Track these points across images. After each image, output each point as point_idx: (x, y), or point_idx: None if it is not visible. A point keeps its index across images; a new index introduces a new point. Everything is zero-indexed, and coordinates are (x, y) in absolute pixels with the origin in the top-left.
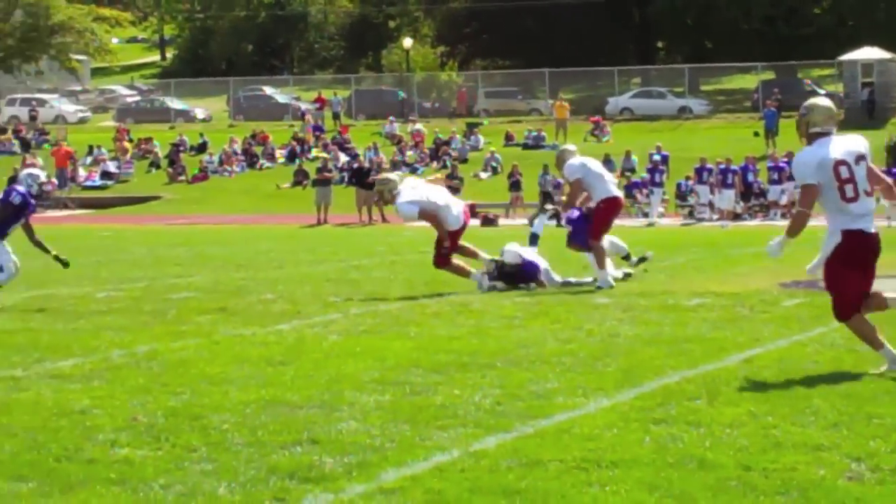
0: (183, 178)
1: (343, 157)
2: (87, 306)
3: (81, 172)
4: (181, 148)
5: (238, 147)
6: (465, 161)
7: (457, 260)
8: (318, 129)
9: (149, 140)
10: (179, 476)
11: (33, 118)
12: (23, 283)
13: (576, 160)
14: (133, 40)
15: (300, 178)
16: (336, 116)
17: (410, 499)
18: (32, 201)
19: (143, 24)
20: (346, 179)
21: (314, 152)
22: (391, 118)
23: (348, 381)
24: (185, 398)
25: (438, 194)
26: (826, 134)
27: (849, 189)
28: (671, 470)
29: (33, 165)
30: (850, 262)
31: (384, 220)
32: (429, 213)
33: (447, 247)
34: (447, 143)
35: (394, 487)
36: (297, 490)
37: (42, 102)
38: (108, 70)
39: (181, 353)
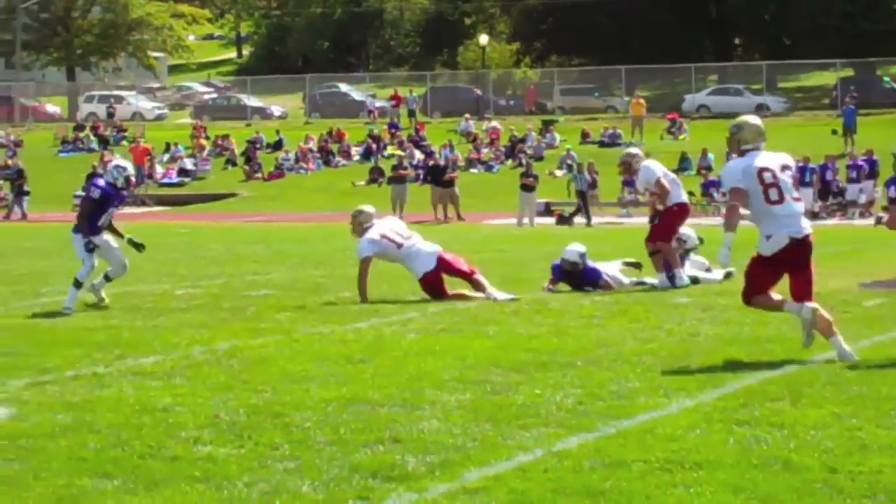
0: (259, 175)
1: (418, 155)
2: (166, 303)
3: (159, 169)
4: (257, 145)
5: (314, 144)
6: (540, 159)
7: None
8: (393, 126)
9: (225, 137)
10: (263, 474)
11: (111, 115)
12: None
13: (650, 163)
14: (210, 37)
15: (376, 175)
16: (412, 114)
17: (494, 499)
18: (123, 192)
19: (219, 21)
20: (421, 177)
21: (389, 150)
22: (466, 115)
23: (428, 379)
24: (266, 396)
25: (410, 239)
26: (756, 149)
27: (773, 192)
28: (756, 472)
29: (111, 163)
30: (773, 263)
31: (460, 217)
32: (388, 257)
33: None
34: (522, 140)
35: (477, 487)
36: (381, 489)
37: (119, 99)
38: (184, 67)
39: (261, 351)
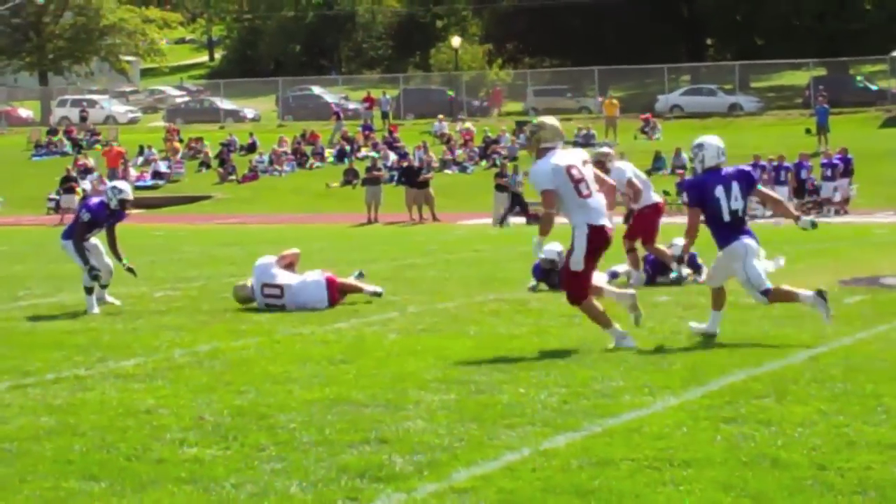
0: (233, 177)
1: (392, 157)
2: (145, 306)
3: (133, 172)
4: (231, 148)
5: (288, 147)
6: (514, 159)
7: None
8: (367, 128)
9: (199, 140)
10: (250, 475)
11: (84, 119)
12: (80, 283)
13: (622, 164)
14: (182, 41)
15: (350, 177)
16: (385, 116)
17: (483, 498)
18: (119, 213)
19: (191, 24)
20: (395, 178)
21: (363, 151)
22: (440, 117)
23: (412, 379)
24: (250, 397)
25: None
26: (553, 148)
27: (583, 187)
28: (745, 469)
29: (85, 166)
30: (592, 253)
31: (435, 218)
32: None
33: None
34: (496, 141)
35: (466, 487)
36: (369, 489)
37: (92, 103)
38: (157, 71)
39: (242, 353)
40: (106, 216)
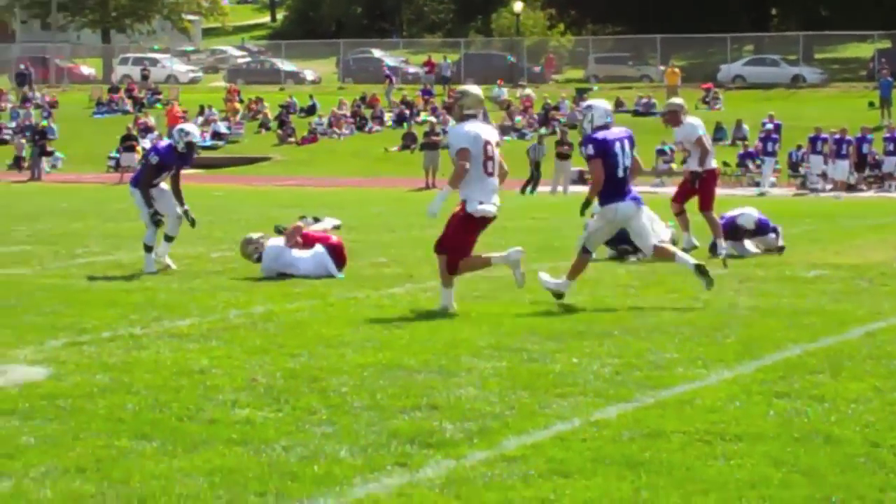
0: (292, 139)
1: (453, 122)
2: (202, 266)
3: None
4: (291, 109)
5: (347, 110)
6: (574, 127)
7: None
8: (427, 92)
9: (259, 101)
10: (301, 438)
11: (145, 77)
12: (137, 241)
13: (696, 120)
14: (244, 1)
15: (409, 141)
16: (445, 80)
17: (533, 467)
18: (186, 156)
19: None
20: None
21: (423, 116)
22: (499, 82)
23: (464, 346)
24: (302, 360)
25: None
26: (475, 116)
27: (490, 165)
28: (797, 445)
29: (146, 125)
30: (474, 228)
31: None
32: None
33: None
34: (556, 108)
35: (515, 455)
36: (419, 455)
37: (154, 62)
38: (219, 31)
39: (297, 315)
40: (174, 159)
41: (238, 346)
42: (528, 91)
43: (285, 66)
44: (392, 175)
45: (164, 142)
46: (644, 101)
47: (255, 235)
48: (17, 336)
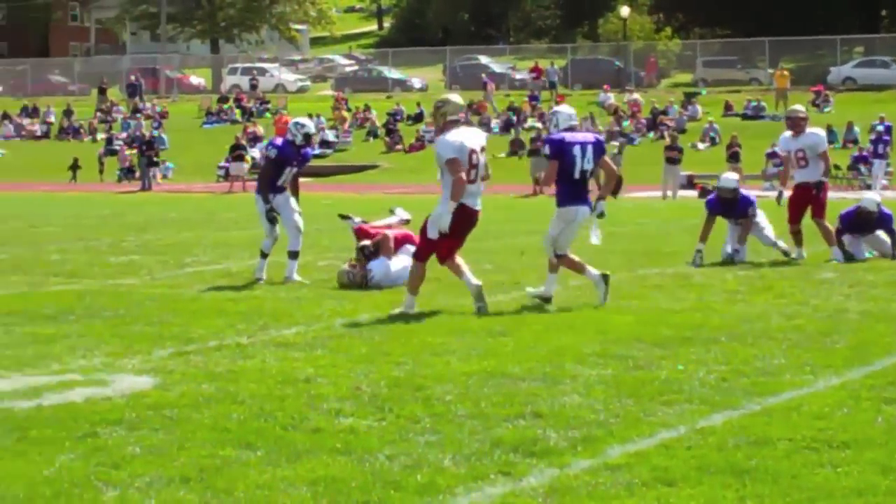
0: (400, 147)
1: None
2: (309, 274)
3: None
4: (398, 117)
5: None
6: (683, 131)
7: None
8: (534, 98)
9: (366, 109)
10: (404, 447)
11: (254, 87)
12: (246, 251)
13: (821, 131)
14: (351, 10)
15: (516, 147)
16: (552, 86)
17: (636, 476)
18: (305, 150)
19: None
20: None
21: (530, 122)
22: (605, 87)
23: (569, 353)
24: (407, 368)
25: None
26: (456, 122)
27: (472, 173)
28: None
29: (254, 134)
30: (457, 230)
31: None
32: None
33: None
34: (664, 112)
35: (619, 464)
36: (522, 464)
37: (262, 71)
38: (326, 39)
39: (402, 323)
40: (293, 153)
41: (343, 354)
42: (636, 96)
43: (392, 73)
44: (499, 181)
45: (279, 139)
46: (753, 104)
47: (346, 266)
48: (126, 346)
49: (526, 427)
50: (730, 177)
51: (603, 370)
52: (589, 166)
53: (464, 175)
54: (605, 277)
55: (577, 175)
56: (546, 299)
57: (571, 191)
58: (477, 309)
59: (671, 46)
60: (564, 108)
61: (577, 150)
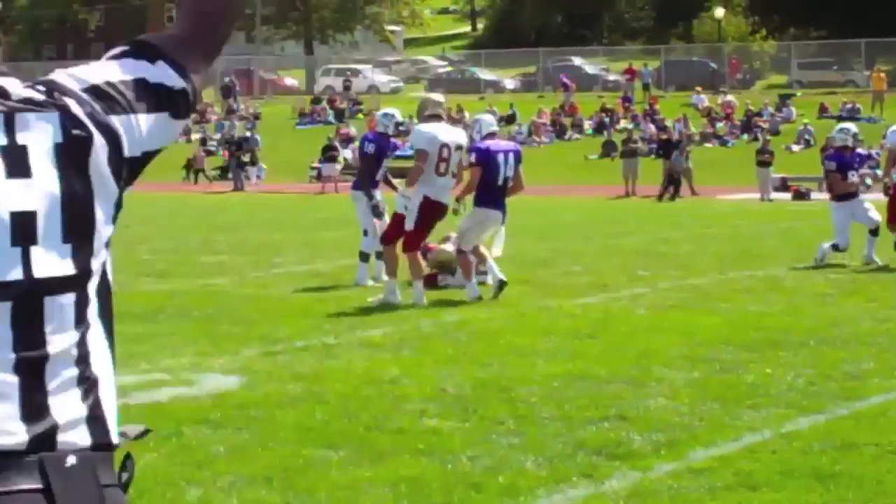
0: None
1: (652, 129)
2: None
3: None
4: None
5: (547, 118)
6: (776, 133)
7: None
8: (627, 99)
9: (460, 110)
10: (487, 448)
11: (347, 88)
12: (335, 251)
13: None
14: (445, 11)
15: (608, 149)
16: (645, 87)
17: (720, 479)
18: (394, 141)
19: None
20: (654, 151)
21: (622, 123)
22: (697, 89)
23: (656, 356)
24: (492, 370)
25: None
26: (438, 117)
27: (442, 166)
28: None
29: (347, 136)
30: (425, 221)
31: (693, 192)
32: None
33: None
34: (758, 114)
35: (703, 467)
36: (605, 466)
37: (356, 73)
38: (420, 41)
39: (489, 324)
40: (387, 145)
41: (429, 355)
42: (730, 97)
43: (485, 75)
44: (591, 183)
45: (371, 133)
46: (849, 106)
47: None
48: (214, 345)
49: (610, 430)
50: (847, 127)
51: (689, 373)
52: (510, 174)
53: (423, 165)
54: (501, 284)
55: (500, 182)
56: (500, 283)
57: (490, 196)
58: (378, 300)
59: (766, 48)
60: (486, 117)
61: (500, 158)
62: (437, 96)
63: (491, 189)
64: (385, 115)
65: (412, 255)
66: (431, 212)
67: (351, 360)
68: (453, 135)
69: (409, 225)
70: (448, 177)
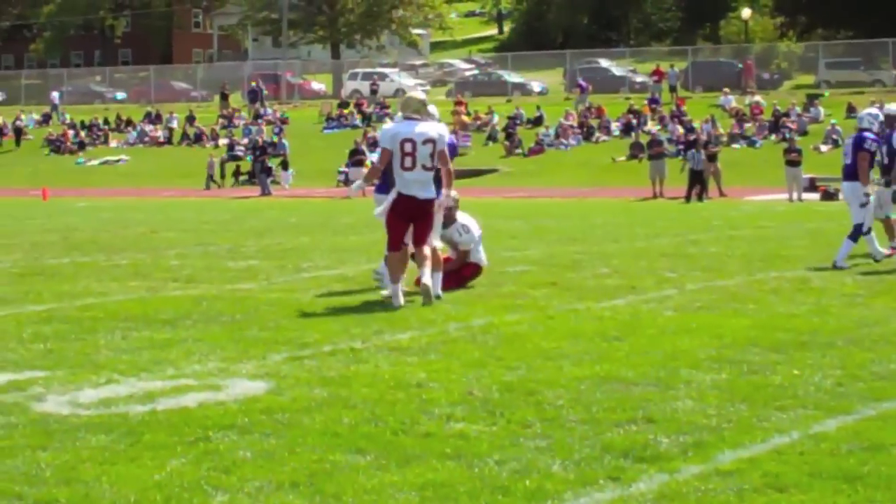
0: (519, 151)
1: (679, 130)
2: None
3: None
4: (517, 121)
5: (574, 120)
6: (804, 133)
7: None
8: (653, 101)
9: (490, 113)
10: (514, 452)
11: (374, 92)
12: (363, 256)
13: None
14: (471, 14)
15: (636, 151)
16: (672, 89)
17: (747, 481)
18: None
19: None
20: (681, 152)
21: (650, 125)
22: (725, 90)
23: (684, 358)
24: (520, 373)
25: None
26: (411, 117)
27: (407, 160)
28: None
29: (374, 139)
30: (399, 214)
31: (721, 193)
32: None
33: None
34: (786, 115)
35: (730, 469)
36: (632, 469)
37: (383, 76)
38: (446, 44)
39: (516, 327)
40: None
41: (456, 359)
42: (758, 98)
43: (512, 77)
44: (618, 185)
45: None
46: (876, 105)
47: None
48: (241, 350)
49: (637, 432)
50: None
51: (717, 375)
52: (425, 162)
53: (380, 164)
54: (429, 294)
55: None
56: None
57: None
58: (385, 298)
59: (793, 48)
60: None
61: (409, 147)
62: (414, 94)
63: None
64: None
65: (391, 255)
66: (403, 207)
67: (378, 364)
68: (425, 129)
69: (384, 222)
70: (418, 171)
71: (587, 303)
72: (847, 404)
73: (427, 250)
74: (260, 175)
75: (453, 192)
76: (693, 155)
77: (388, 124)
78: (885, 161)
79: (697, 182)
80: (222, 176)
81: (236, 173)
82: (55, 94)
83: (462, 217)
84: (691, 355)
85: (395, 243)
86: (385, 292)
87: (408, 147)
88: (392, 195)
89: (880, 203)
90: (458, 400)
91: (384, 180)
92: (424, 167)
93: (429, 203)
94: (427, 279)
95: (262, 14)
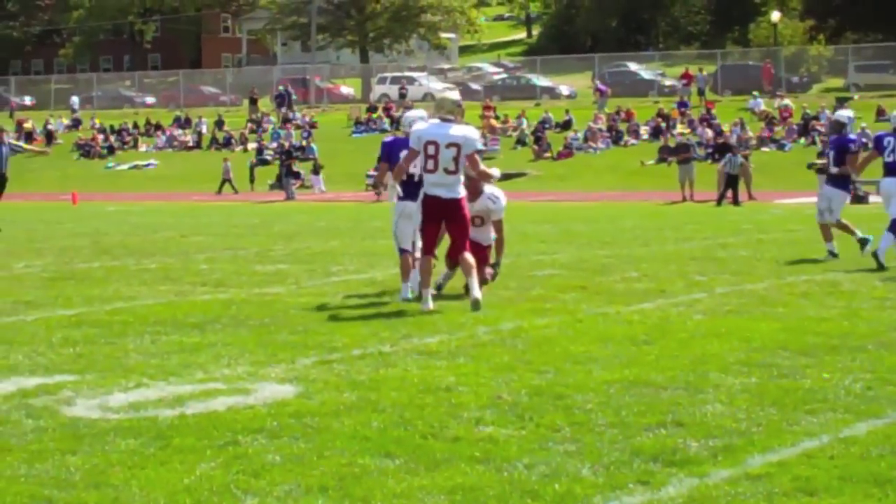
0: (548, 154)
1: (709, 133)
2: (453, 283)
3: None
4: (546, 125)
5: (603, 124)
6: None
7: None
8: (682, 105)
9: (519, 117)
10: (543, 456)
11: (402, 96)
12: (391, 259)
13: None
14: (499, 18)
15: (665, 154)
16: (701, 92)
17: (777, 485)
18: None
19: (510, 2)
20: (710, 156)
21: (679, 128)
22: (754, 94)
23: (713, 362)
24: (549, 377)
25: None
26: (440, 118)
27: (430, 163)
28: None
29: None
30: (429, 217)
31: (750, 197)
32: None
33: None
34: (816, 118)
35: (760, 473)
36: (661, 473)
37: (411, 80)
38: (475, 48)
39: (545, 331)
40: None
41: (485, 362)
42: (787, 101)
43: (541, 81)
44: (647, 189)
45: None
46: None
47: None
48: (270, 354)
49: (666, 436)
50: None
51: (746, 378)
52: (415, 171)
53: (405, 164)
54: (478, 306)
55: (417, 173)
56: (438, 287)
57: (406, 187)
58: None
59: (823, 52)
60: (410, 113)
61: (404, 154)
62: (446, 94)
63: (409, 180)
64: (423, 119)
65: (423, 258)
66: (428, 208)
67: (407, 367)
68: (451, 132)
69: (419, 227)
70: (440, 173)
71: (616, 306)
72: (877, 408)
73: (470, 258)
74: (285, 179)
75: (494, 170)
76: (730, 159)
77: (421, 125)
78: None
79: (732, 186)
80: (252, 180)
81: (252, 178)
82: (75, 99)
83: (488, 188)
84: (721, 359)
85: (427, 247)
86: (402, 297)
87: (430, 149)
88: (420, 197)
89: None
90: (486, 404)
91: (406, 190)
92: (447, 170)
93: (454, 202)
94: (477, 293)
95: (290, 19)
